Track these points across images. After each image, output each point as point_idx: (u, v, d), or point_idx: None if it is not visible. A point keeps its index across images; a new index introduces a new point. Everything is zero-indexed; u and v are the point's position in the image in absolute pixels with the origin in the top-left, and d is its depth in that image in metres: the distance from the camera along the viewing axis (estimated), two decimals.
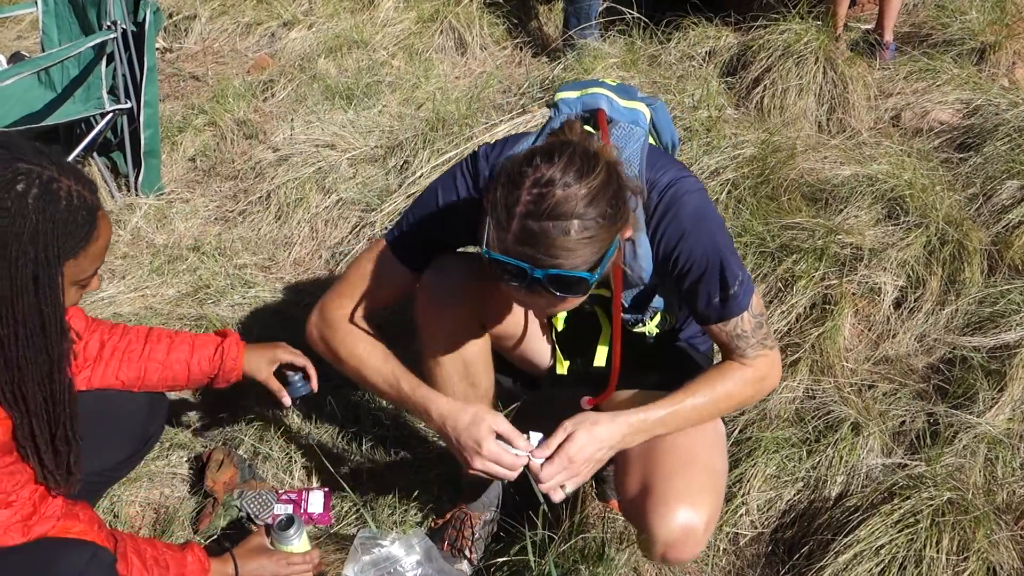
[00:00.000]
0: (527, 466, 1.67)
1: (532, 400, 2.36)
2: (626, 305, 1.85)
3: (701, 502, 1.69)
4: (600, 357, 2.00)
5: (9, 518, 1.54)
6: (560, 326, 2.00)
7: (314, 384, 2.20)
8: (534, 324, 2.02)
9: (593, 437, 1.67)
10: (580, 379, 2.07)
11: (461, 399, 1.91)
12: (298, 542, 2.00)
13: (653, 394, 1.77)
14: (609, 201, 1.49)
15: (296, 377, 2.18)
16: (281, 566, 1.95)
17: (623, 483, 1.82)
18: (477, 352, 1.93)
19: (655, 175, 1.70)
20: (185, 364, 2.08)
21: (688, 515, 1.67)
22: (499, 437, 1.69)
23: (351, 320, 1.92)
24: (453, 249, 1.91)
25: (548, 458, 1.65)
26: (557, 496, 1.67)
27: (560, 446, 1.66)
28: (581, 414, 1.70)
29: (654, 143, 1.87)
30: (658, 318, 1.91)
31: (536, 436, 1.70)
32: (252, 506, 2.27)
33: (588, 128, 1.72)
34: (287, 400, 2.18)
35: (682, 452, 1.75)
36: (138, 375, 2.04)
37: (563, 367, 2.05)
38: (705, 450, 1.79)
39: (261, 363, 2.15)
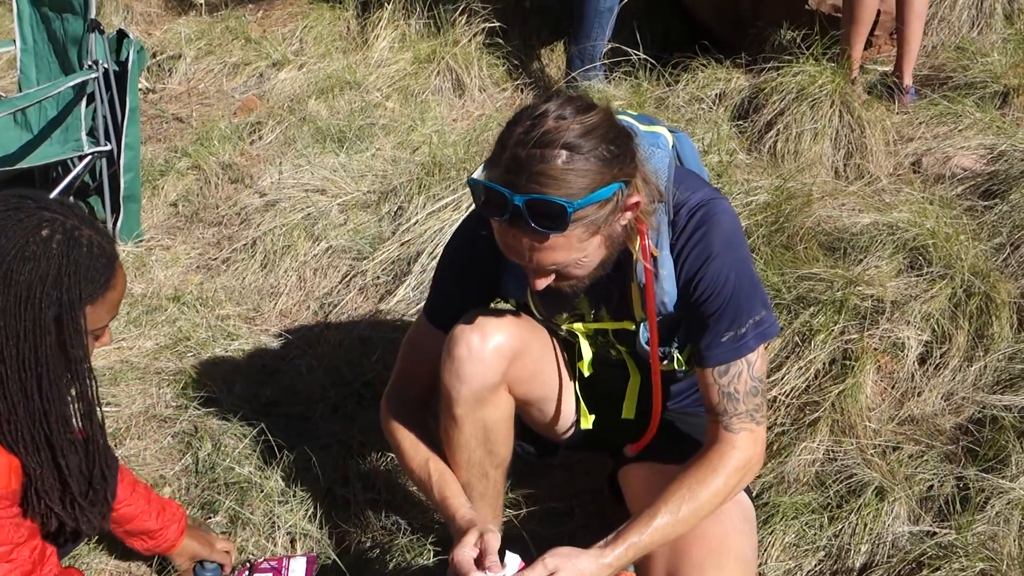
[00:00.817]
0: None
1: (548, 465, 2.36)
2: (646, 336, 1.84)
3: None
4: (628, 408, 1.99)
5: (7, 573, 1.57)
6: (587, 371, 1.99)
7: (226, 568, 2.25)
8: (564, 383, 2.02)
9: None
10: (599, 440, 2.07)
11: (476, 467, 1.92)
12: None
13: (669, 470, 1.77)
14: (605, 139, 1.51)
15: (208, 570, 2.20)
16: None
17: (648, 571, 1.79)
18: (500, 418, 1.92)
19: (685, 193, 1.72)
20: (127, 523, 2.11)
21: None
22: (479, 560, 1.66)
23: (403, 402, 2.01)
24: (484, 302, 1.94)
25: None
26: None
27: None
28: (567, 550, 1.66)
29: None
30: (688, 350, 1.89)
31: (513, 559, 1.67)
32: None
33: None
34: None
35: (712, 541, 1.74)
36: None
37: (588, 421, 2.04)
38: (735, 536, 1.77)
39: (181, 559, 2.20)
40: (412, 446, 1.96)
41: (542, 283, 1.66)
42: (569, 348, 2.02)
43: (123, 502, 2.03)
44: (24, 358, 1.51)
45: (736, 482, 1.76)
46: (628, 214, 1.62)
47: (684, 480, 1.74)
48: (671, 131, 1.89)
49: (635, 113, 1.90)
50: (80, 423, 1.66)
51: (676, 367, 1.91)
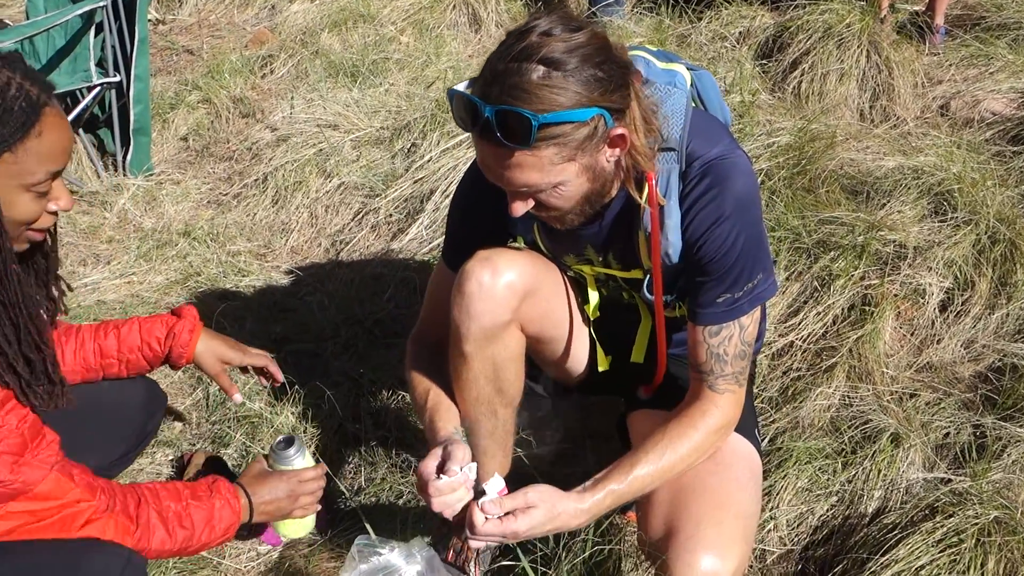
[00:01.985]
0: (468, 511, 1.66)
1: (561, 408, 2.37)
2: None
3: (731, 553, 1.67)
4: (638, 352, 1.99)
5: None
6: (593, 314, 1.99)
7: (278, 377, 2.21)
8: (576, 324, 2.01)
9: (550, 519, 1.64)
10: (611, 384, 2.07)
11: (484, 405, 1.92)
12: (301, 461, 1.99)
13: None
14: (590, 61, 1.48)
15: (291, 450, 2.05)
16: (292, 484, 1.92)
17: (647, 522, 1.79)
18: (510, 356, 1.91)
19: (701, 144, 1.67)
20: (138, 351, 2.06)
21: (714, 564, 1.64)
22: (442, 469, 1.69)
23: (424, 344, 2.03)
24: (497, 240, 1.92)
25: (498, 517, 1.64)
26: (475, 545, 1.67)
27: (513, 514, 1.64)
28: (548, 489, 1.67)
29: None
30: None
31: (497, 483, 1.68)
32: None
33: None
34: (238, 398, 2.20)
35: (713, 495, 1.74)
36: (96, 375, 2.04)
37: (605, 363, 2.04)
38: (737, 493, 1.77)
39: (210, 359, 2.12)
40: (419, 380, 1.98)
41: (519, 208, 1.64)
42: (583, 291, 2.02)
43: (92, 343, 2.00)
44: None
45: (714, 441, 1.76)
46: (615, 150, 1.59)
47: (666, 433, 1.74)
48: (691, 68, 1.85)
49: (654, 48, 1.86)
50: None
51: (679, 315, 1.91)
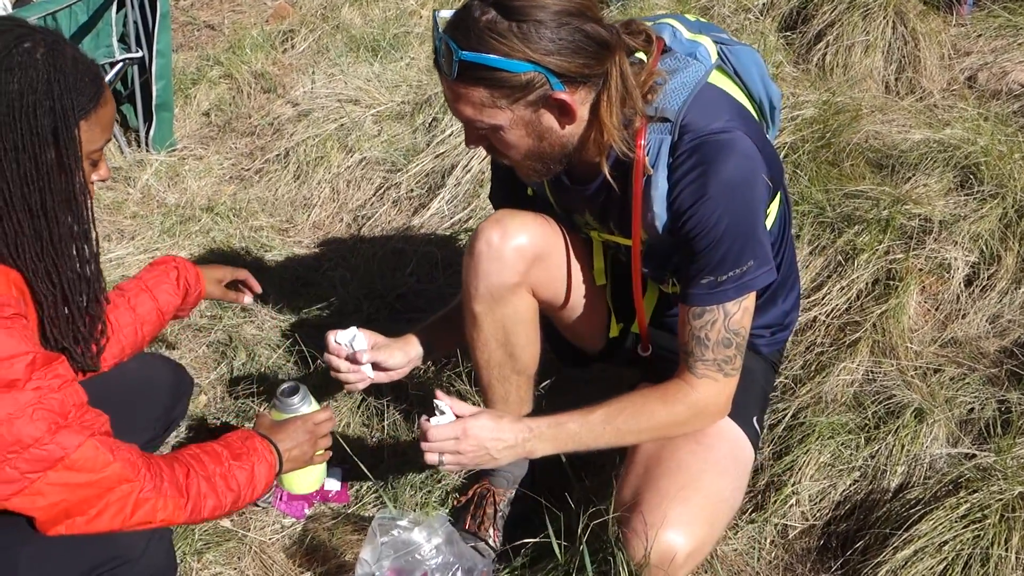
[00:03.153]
0: (420, 426, 1.72)
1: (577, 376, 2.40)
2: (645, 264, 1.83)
3: (691, 532, 1.67)
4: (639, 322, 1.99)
5: (31, 401, 1.43)
6: (598, 279, 1.99)
7: (255, 287, 2.34)
8: (590, 290, 2.00)
9: (495, 426, 1.70)
10: (625, 352, 2.07)
11: (496, 368, 1.93)
12: (307, 407, 2.00)
13: None
14: (553, 23, 1.51)
15: (295, 397, 2.04)
16: (309, 427, 1.92)
17: (620, 487, 1.80)
18: (520, 320, 1.92)
19: (698, 117, 1.63)
20: (155, 311, 2.09)
21: (673, 540, 1.65)
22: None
23: None
24: (520, 187, 1.98)
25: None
26: (430, 459, 1.71)
27: (460, 419, 1.71)
28: (487, 414, 1.75)
29: (739, 93, 1.77)
30: None
31: (447, 415, 1.73)
32: None
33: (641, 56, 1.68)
34: (248, 299, 2.34)
35: (686, 473, 1.73)
36: (119, 352, 2.03)
37: (615, 329, 2.05)
38: (713, 475, 1.76)
39: (212, 287, 2.26)
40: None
41: (470, 142, 1.70)
42: (592, 258, 2.02)
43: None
44: (25, 171, 1.47)
45: (684, 420, 1.75)
46: (553, 112, 1.60)
47: (634, 397, 1.76)
48: (723, 41, 1.80)
49: (694, 18, 1.83)
50: (77, 246, 1.60)
51: (671, 291, 1.90)
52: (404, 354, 2.06)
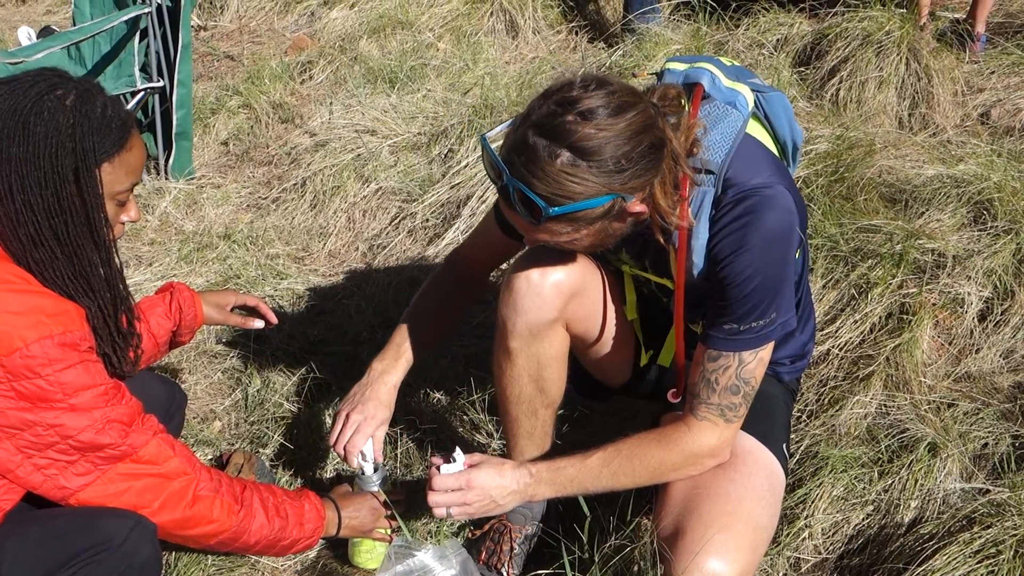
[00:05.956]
0: (428, 473, 1.80)
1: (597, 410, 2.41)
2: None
3: (737, 559, 1.67)
4: (666, 356, 2.00)
5: (110, 411, 1.64)
6: (630, 314, 2.01)
7: (271, 319, 2.36)
8: (621, 325, 2.02)
9: (498, 474, 1.77)
10: (648, 385, 2.09)
11: (526, 404, 1.95)
12: (379, 485, 2.10)
13: None
14: (620, 151, 1.50)
15: (375, 475, 2.13)
16: (375, 504, 2.09)
17: (659, 520, 1.80)
18: (554, 355, 1.94)
19: (743, 172, 1.66)
20: (146, 334, 2.13)
21: (719, 568, 1.65)
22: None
23: (452, 270, 2.17)
24: None
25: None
26: (438, 512, 1.80)
27: (465, 470, 1.78)
28: (490, 463, 1.81)
29: (767, 137, 1.81)
30: None
31: (458, 462, 1.81)
32: None
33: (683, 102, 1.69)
34: (258, 323, 2.34)
35: (727, 501, 1.74)
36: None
37: (646, 358, 2.06)
38: (752, 502, 1.76)
39: (212, 311, 2.29)
40: (418, 298, 2.17)
41: (532, 243, 1.75)
42: (624, 292, 2.04)
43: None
44: (48, 205, 1.59)
45: (680, 464, 1.76)
46: (628, 220, 1.63)
47: (633, 439, 1.78)
48: (759, 89, 1.82)
49: (729, 63, 1.85)
50: (102, 271, 1.72)
51: (699, 331, 1.91)
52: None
